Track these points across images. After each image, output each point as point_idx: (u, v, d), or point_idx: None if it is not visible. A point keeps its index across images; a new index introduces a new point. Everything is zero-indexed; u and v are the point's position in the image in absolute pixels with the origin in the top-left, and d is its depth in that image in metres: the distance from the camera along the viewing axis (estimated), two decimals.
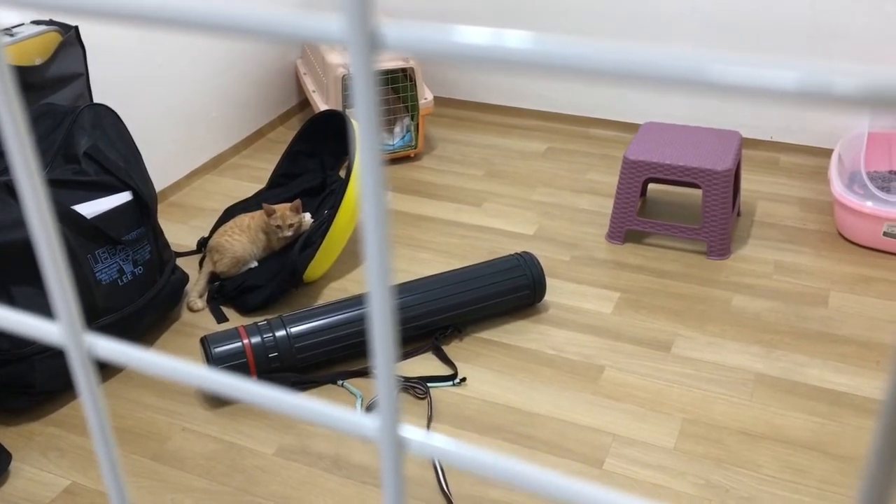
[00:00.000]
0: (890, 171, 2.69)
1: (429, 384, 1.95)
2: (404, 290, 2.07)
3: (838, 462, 1.73)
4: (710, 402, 1.89)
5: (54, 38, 2.11)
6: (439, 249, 2.49)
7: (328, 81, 2.91)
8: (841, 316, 2.17)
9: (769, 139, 3.06)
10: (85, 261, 1.88)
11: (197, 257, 2.43)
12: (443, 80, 3.47)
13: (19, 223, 1.76)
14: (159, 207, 2.53)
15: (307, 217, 2.35)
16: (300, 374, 1.97)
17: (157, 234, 2.10)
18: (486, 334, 2.13)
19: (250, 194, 2.66)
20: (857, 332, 2.11)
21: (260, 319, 2.02)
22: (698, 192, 2.72)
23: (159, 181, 2.71)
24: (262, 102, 3.20)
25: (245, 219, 2.32)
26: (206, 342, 1.91)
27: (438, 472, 1.71)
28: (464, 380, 1.97)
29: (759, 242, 2.49)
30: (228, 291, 2.25)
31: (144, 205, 2.02)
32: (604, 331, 2.13)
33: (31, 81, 2.04)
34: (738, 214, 2.64)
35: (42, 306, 1.81)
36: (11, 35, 2.02)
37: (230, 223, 2.32)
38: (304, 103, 3.43)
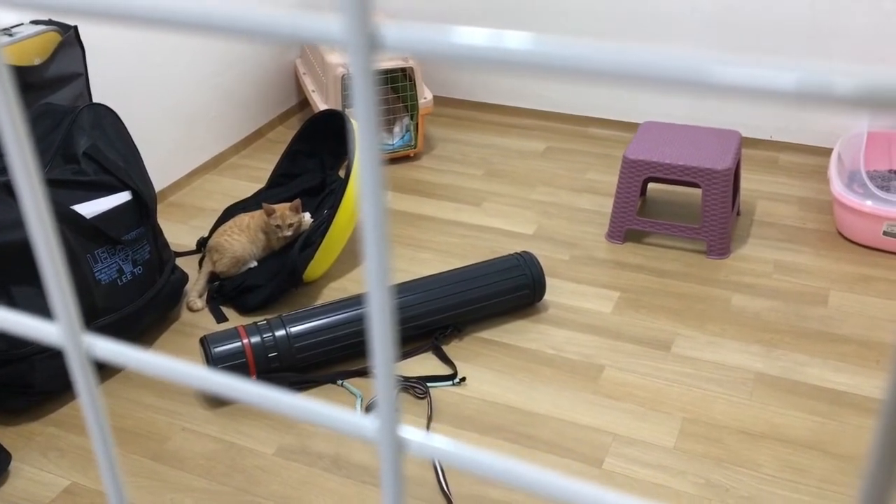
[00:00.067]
0: (889, 171, 2.69)
1: (428, 384, 1.95)
2: (404, 289, 2.07)
3: (838, 461, 1.73)
4: (710, 402, 1.89)
5: (53, 38, 2.11)
6: (439, 249, 2.49)
7: (328, 81, 2.90)
8: (841, 315, 2.17)
9: (769, 138, 3.06)
10: (84, 261, 1.88)
11: (196, 257, 2.43)
12: (442, 80, 3.47)
13: (19, 223, 1.76)
14: (159, 207, 2.53)
15: (307, 217, 2.35)
16: (300, 374, 1.97)
17: (157, 233, 2.10)
18: (486, 334, 2.13)
19: (250, 194, 2.65)
20: (856, 331, 2.11)
21: (259, 319, 2.02)
22: (698, 192, 2.72)
23: (159, 181, 2.71)
24: (261, 102, 3.20)
25: (245, 218, 2.32)
26: (205, 342, 1.91)
27: (438, 472, 1.71)
28: (463, 379, 1.97)
29: (759, 242, 2.49)
30: (228, 291, 2.25)
31: (144, 205, 2.02)
32: (604, 330, 2.13)
33: (31, 81, 2.04)
34: (738, 214, 2.64)
35: (42, 307, 1.81)
36: (10, 35, 2.02)
37: (230, 223, 2.32)
38: (304, 103, 3.43)
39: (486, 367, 2.01)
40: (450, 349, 2.07)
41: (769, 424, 1.83)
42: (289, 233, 2.26)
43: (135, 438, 1.83)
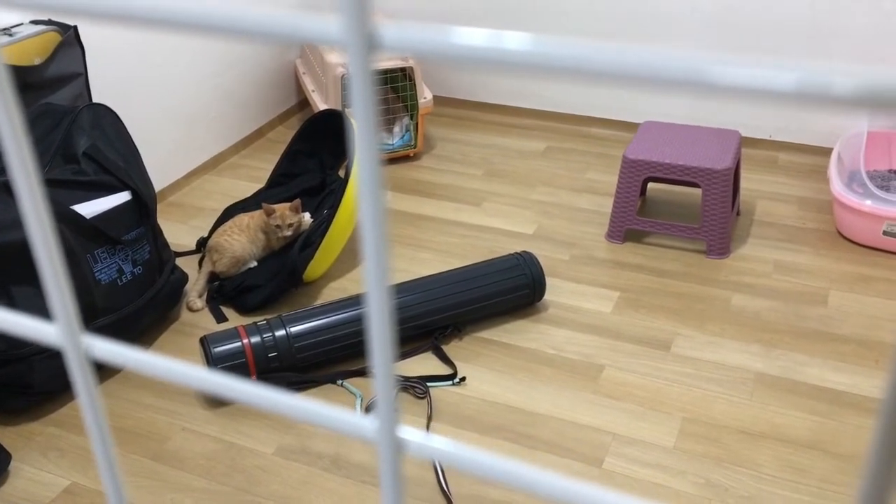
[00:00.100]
0: (889, 170, 2.69)
1: (428, 384, 1.95)
2: (404, 289, 2.07)
3: (838, 461, 1.73)
4: (710, 402, 1.89)
5: (53, 37, 2.11)
6: (439, 249, 2.49)
7: (327, 81, 2.90)
8: (840, 315, 2.17)
9: (768, 138, 3.06)
10: (84, 261, 1.88)
11: (196, 257, 2.43)
12: (442, 80, 3.47)
13: (19, 223, 1.76)
14: (158, 207, 2.52)
15: (306, 217, 2.35)
16: (300, 374, 1.97)
17: (157, 233, 2.10)
18: (486, 334, 2.13)
19: (249, 194, 2.65)
20: (856, 330, 2.11)
21: (259, 319, 2.02)
22: (698, 192, 2.72)
23: (158, 181, 2.71)
24: (261, 102, 3.20)
25: (244, 218, 2.32)
26: (205, 342, 1.91)
27: (438, 472, 1.71)
28: (463, 379, 1.97)
29: (759, 241, 2.49)
30: (228, 291, 2.25)
31: (144, 205, 2.02)
32: (603, 330, 2.13)
33: (30, 81, 2.04)
34: (738, 214, 2.64)
35: (42, 307, 1.81)
36: (10, 35, 2.02)
37: (229, 223, 2.32)
38: (304, 103, 3.43)
39: (486, 366, 2.01)
40: (450, 349, 2.07)
41: (769, 424, 1.83)
42: (288, 233, 2.26)
43: (135, 438, 1.83)
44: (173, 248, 2.33)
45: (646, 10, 3.00)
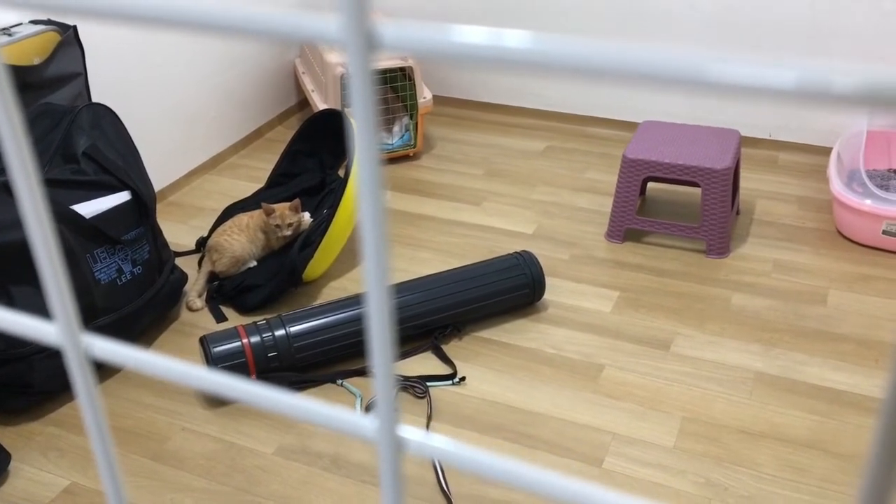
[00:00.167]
0: (889, 170, 2.69)
1: (428, 383, 1.95)
2: (403, 289, 2.07)
3: (838, 460, 1.73)
4: (710, 401, 1.89)
5: (53, 37, 2.10)
6: (438, 248, 2.49)
7: (327, 80, 2.90)
8: (840, 314, 2.17)
9: (768, 137, 3.06)
10: (84, 260, 1.88)
11: (196, 257, 2.43)
12: (442, 79, 3.47)
13: (18, 223, 1.76)
14: (158, 207, 2.53)
15: (306, 216, 2.35)
16: (299, 374, 1.97)
17: (156, 233, 2.10)
18: (486, 333, 2.13)
19: (249, 194, 2.65)
20: (856, 330, 2.11)
21: (259, 319, 2.02)
22: (697, 191, 2.72)
23: (158, 181, 2.71)
24: (260, 102, 3.20)
25: (244, 218, 2.32)
26: (205, 342, 1.91)
27: (438, 471, 1.71)
28: (463, 379, 1.97)
29: (759, 241, 2.50)
30: (227, 291, 2.25)
31: (143, 204, 2.02)
32: (603, 329, 2.13)
33: (30, 81, 2.04)
34: (738, 213, 2.64)
35: (42, 306, 1.81)
36: (10, 35, 2.02)
37: (229, 223, 2.32)
38: (303, 103, 3.43)
39: (486, 366, 2.01)
40: (449, 349, 2.07)
41: (769, 424, 1.83)
42: (288, 232, 2.26)
43: (134, 438, 1.83)
44: (173, 247, 2.33)
45: (645, 10, 3.00)
